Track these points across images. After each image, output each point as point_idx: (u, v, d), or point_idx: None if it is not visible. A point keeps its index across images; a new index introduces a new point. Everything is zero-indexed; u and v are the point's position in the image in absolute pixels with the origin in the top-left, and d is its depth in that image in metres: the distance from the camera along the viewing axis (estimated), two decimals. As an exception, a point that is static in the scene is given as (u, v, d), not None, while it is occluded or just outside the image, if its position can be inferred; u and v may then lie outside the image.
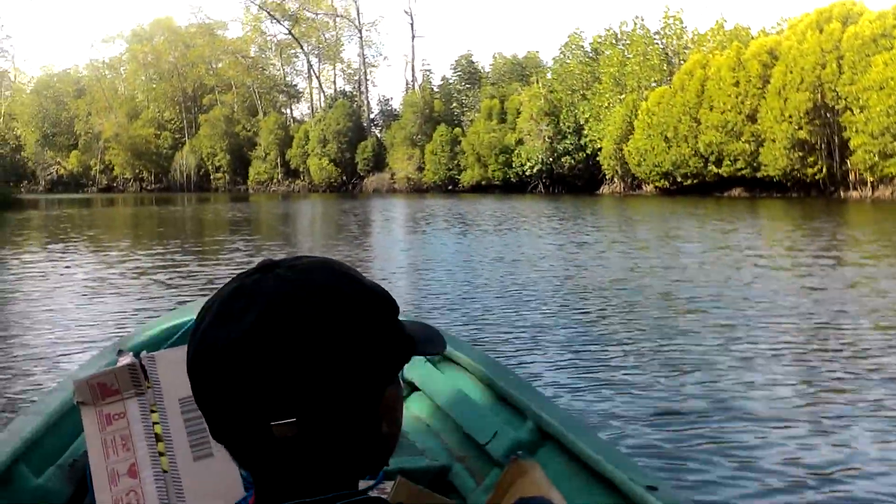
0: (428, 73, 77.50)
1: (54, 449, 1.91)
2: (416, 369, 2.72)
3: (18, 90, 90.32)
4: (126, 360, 1.68)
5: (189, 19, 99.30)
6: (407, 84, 75.31)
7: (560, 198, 47.93)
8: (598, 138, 53.18)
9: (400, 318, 0.82)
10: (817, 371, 5.49)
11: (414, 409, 2.62)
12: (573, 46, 60.37)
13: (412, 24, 75.00)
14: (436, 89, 73.56)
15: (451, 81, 74.13)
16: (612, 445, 2.10)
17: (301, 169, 74.62)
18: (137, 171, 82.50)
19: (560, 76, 59.17)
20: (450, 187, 63.20)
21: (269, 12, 78.22)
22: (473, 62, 73.65)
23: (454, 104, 73.34)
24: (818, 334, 6.79)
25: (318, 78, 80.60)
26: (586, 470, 1.81)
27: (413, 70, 76.12)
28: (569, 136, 56.64)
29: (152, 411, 1.61)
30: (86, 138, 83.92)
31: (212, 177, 79.60)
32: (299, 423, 0.70)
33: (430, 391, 2.62)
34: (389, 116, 76.12)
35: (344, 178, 71.71)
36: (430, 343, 0.83)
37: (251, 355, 0.69)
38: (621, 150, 50.40)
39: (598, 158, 54.07)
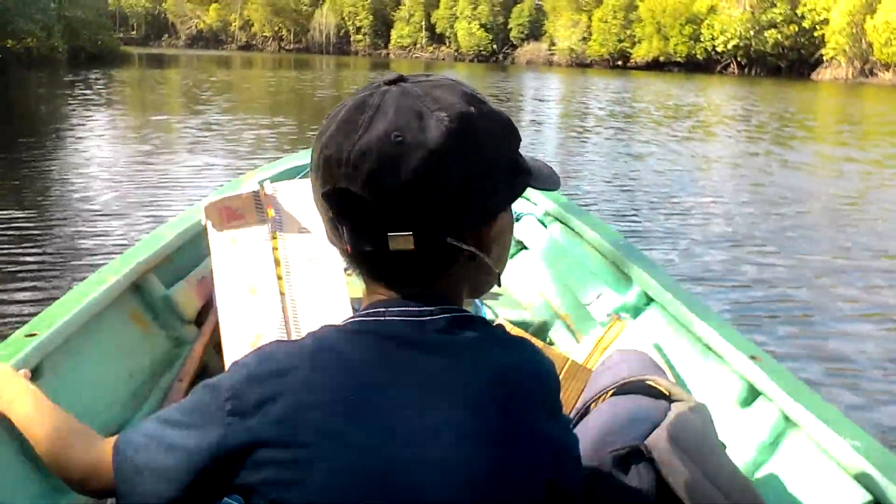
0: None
1: (183, 265, 2.01)
2: (527, 229, 2.68)
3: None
4: (251, 188, 1.72)
5: None
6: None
7: (760, 82, 38.63)
8: (825, 8, 42.22)
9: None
10: None
11: (522, 267, 2.56)
12: None
13: None
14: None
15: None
16: (717, 314, 1.85)
17: (447, 34, 67.08)
18: (276, 28, 77.66)
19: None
20: (618, 62, 54.04)
21: None
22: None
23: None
24: None
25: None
26: (689, 335, 1.76)
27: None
28: (779, 5, 45.84)
29: (273, 237, 1.68)
30: (226, -9, 79.59)
31: (352, 38, 73.60)
32: (415, 238, 0.70)
33: (538, 251, 2.56)
34: (552, -25, 66.26)
35: (494, 46, 63.68)
36: (546, 179, 0.81)
37: (371, 167, 0.68)
38: (861, 24, 39.48)
39: (816, 34, 43.32)
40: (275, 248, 1.68)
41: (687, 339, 1.78)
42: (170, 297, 1.90)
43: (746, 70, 47.58)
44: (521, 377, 0.75)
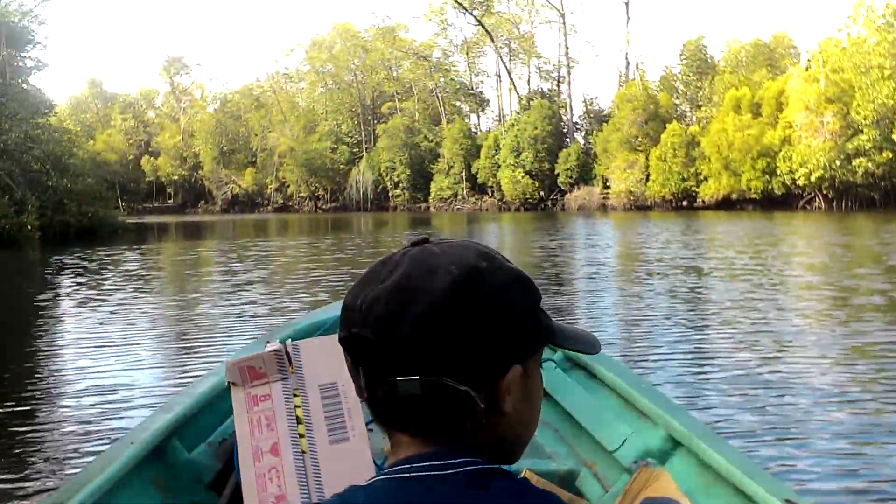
0: (640, 65, 63.83)
1: (205, 427, 2.01)
2: (547, 375, 2.57)
3: (200, 107, 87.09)
4: (273, 346, 1.75)
5: (369, 22, 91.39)
6: (620, 77, 62.03)
7: (852, 217, 33.04)
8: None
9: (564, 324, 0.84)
10: None
11: (543, 415, 2.43)
12: (862, 15, 44.22)
13: (627, 3, 61.85)
14: (654, 83, 59.78)
15: (675, 72, 59.98)
16: (747, 456, 1.90)
17: (490, 183, 63.53)
18: (313, 188, 75.52)
19: (847, 53, 43.11)
20: (683, 203, 49.06)
21: (456, 0, 67.76)
22: (704, 47, 58.85)
23: (680, 100, 59.20)
24: None
25: (510, 75, 69.08)
26: (720, 480, 1.71)
27: (627, 59, 62.58)
28: (866, 131, 40.91)
29: (294, 395, 1.69)
30: (262, 155, 78.52)
31: (390, 193, 70.56)
32: (422, 383, 0.72)
33: (559, 397, 2.52)
34: (597, 118, 63.08)
35: (541, 193, 59.65)
36: (577, 341, 0.83)
37: (380, 312, 0.73)
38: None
39: (918, 160, 38.00)
40: (297, 406, 1.66)
41: (718, 484, 1.71)
42: (192, 461, 1.88)
43: (835, 204, 42.08)
44: None
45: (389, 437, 0.79)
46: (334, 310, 2.87)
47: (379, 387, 0.74)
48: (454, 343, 0.72)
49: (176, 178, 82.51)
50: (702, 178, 47.81)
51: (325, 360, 1.71)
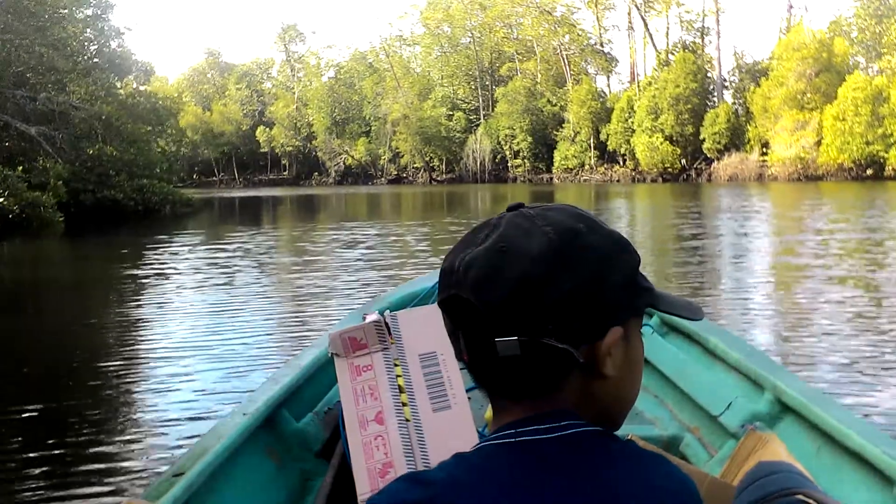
0: (807, 9, 54.43)
1: (311, 397, 2.10)
2: (644, 340, 2.53)
3: (314, 75, 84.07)
4: (372, 317, 1.80)
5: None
6: (782, 23, 53.25)
7: None
8: None
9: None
10: None
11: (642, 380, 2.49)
12: None
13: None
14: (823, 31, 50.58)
15: (847, 17, 50.55)
16: (863, 420, 1.79)
17: (622, 151, 56.57)
18: (427, 158, 70.82)
19: None
20: (867, 172, 40.59)
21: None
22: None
23: (854, 48, 49.85)
24: None
25: (646, 26, 61.27)
26: (832, 444, 1.66)
27: (790, 2, 53.54)
28: None
29: (395, 364, 1.75)
30: (375, 124, 74.53)
31: (509, 163, 64.84)
32: (521, 344, 0.73)
33: (657, 362, 2.48)
34: (751, 73, 54.49)
35: (683, 161, 52.20)
36: (681, 306, 0.83)
37: (477, 273, 0.74)
38: None
39: None
40: (398, 376, 1.72)
41: (832, 449, 1.65)
42: (300, 430, 1.96)
43: None
44: (662, 497, 0.73)
45: (492, 401, 0.79)
46: (426, 280, 2.93)
47: (479, 349, 0.75)
48: (551, 304, 0.72)
49: (290, 148, 79.96)
50: (892, 140, 39.17)
51: (423, 330, 1.73)
